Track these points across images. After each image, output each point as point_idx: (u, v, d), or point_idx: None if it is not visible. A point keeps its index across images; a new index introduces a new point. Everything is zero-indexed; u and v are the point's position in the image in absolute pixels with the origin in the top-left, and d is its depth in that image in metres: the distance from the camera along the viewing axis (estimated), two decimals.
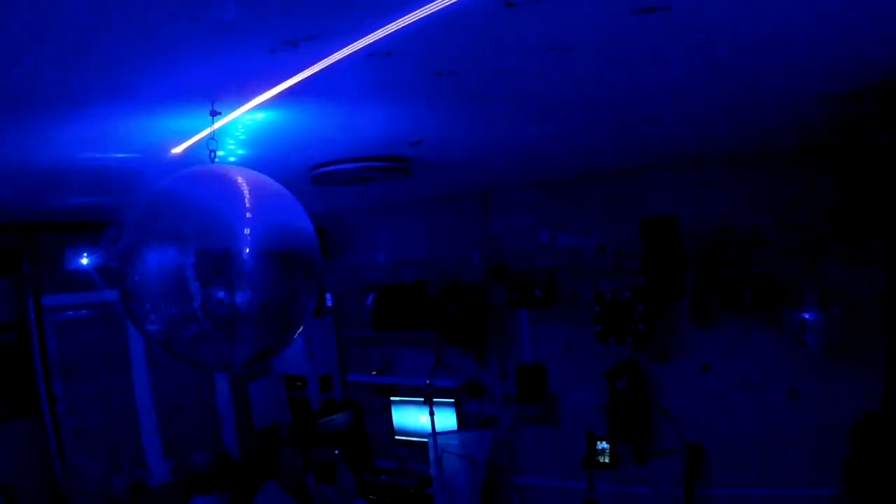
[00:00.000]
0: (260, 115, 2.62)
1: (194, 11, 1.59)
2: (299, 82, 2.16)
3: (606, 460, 4.79)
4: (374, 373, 6.64)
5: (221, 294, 2.02)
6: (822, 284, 4.28)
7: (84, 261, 4.93)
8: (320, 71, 2.03)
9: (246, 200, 2.12)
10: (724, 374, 4.90)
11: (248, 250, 2.05)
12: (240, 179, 2.22)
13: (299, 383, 6.61)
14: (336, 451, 5.70)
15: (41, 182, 3.60)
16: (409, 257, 6.35)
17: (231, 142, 2.94)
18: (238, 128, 2.75)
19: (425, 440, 5.72)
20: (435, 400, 5.56)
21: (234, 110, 2.47)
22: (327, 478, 5.20)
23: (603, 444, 4.84)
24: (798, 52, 2.34)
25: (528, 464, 5.82)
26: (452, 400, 6.03)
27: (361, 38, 1.82)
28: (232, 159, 3.21)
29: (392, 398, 6.52)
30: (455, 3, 1.60)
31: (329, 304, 6.83)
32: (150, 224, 2.15)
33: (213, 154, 2.49)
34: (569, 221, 5.40)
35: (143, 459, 5.65)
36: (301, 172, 3.92)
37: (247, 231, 2.06)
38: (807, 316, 4.26)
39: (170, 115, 2.53)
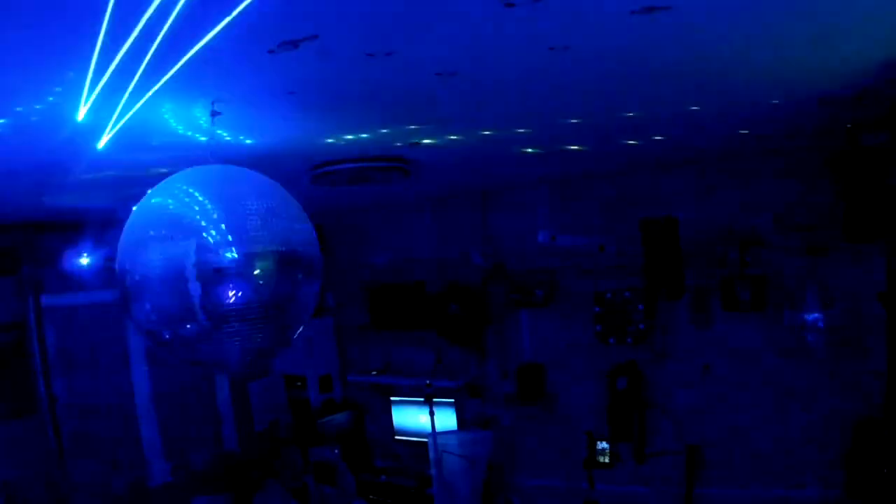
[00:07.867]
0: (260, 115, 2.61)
1: None
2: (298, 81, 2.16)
3: (606, 460, 4.81)
4: (374, 373, 6.63)
5: (221, 294, 2.02)
6: (822, 284, 4.28)
7: (84, 261, 4.92)
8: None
9: (245, 200, 2.12)
10: (724, 374, 4.90)
11: (247, 250, 2.04)
12: (239, 179, 2.22)
13: (299, 383, 6.60)
14: (336, 451, 5.71)
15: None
16: (408, 257, 6.35)
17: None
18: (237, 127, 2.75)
19: (425, 440, 5.72)
20: (435, 400, 5.56)
21: (234, 110, 2.47)
22: (327, 478, 5.21)
23: (603, 444, 4.86)
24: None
25: (528, 464, 5.82)
26: (452, 400, 6.03)
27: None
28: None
29: (392, 398, 6.52)
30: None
31: (329, 304, 6.83)
32: (150, 224, 2.15)
33: (212, 153, 2.48)
34: (569, 221, 5.40)
35: (143, 459, 5.64)
36: (301, 172, 3.92)
37: (246, 231, 2.06)
38: (807, 316, 4.26)
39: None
